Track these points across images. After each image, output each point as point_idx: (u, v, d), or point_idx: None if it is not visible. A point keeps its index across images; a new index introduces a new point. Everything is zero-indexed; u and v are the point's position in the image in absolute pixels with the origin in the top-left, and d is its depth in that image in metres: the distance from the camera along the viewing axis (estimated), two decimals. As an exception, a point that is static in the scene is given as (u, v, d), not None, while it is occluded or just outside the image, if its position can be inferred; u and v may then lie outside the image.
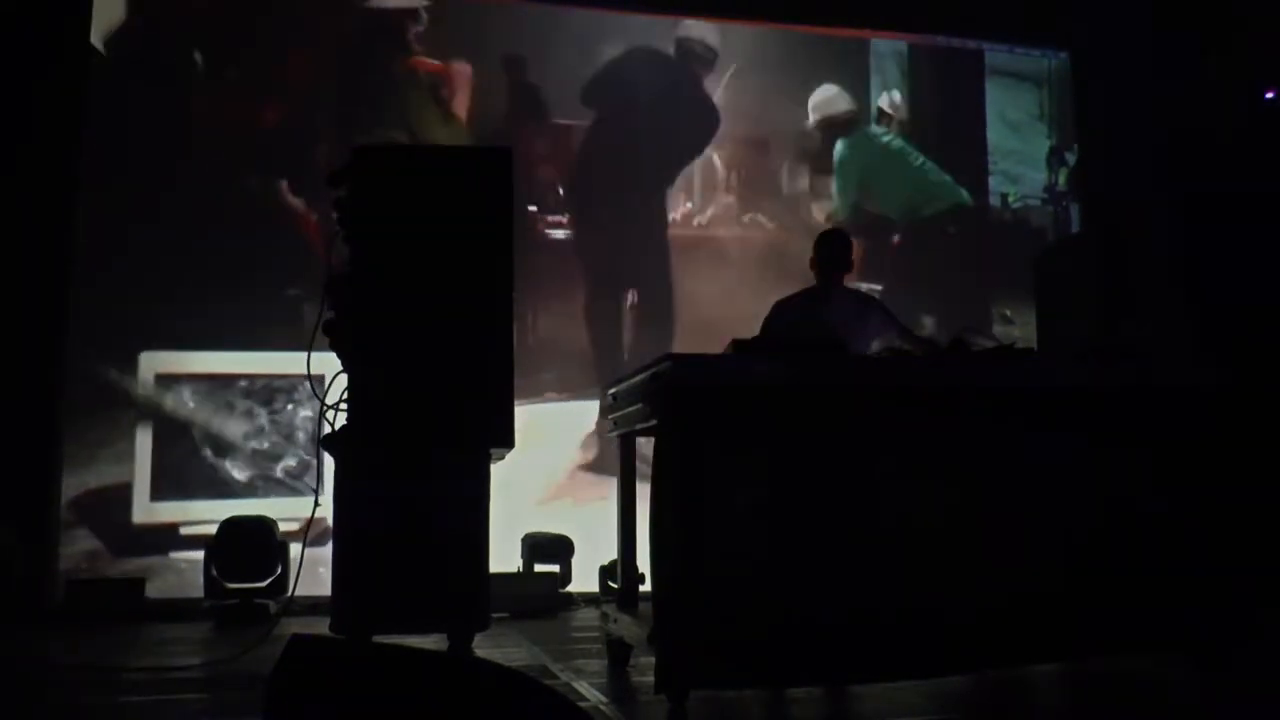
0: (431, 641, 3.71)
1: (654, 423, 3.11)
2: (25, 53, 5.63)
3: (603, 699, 3.18)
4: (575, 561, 5.71)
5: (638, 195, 6.67)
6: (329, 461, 3.84)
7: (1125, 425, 3.37)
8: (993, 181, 7.33)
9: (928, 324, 6.58)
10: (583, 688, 3.34)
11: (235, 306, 5.82)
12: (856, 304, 4.40)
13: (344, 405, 3.76)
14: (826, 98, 7.04)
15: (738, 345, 3.22)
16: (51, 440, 5.58)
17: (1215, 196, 5.51)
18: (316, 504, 3.78)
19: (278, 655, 1.61)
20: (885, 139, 7.17)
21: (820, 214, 6.90)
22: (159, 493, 5.71)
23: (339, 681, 1.59)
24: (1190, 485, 3.39)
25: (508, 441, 3.82)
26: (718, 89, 6.81)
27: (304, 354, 3.82)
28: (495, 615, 4.26)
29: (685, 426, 2.94)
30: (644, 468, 3.42)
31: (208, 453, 5.81)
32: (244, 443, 5.87)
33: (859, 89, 7.12)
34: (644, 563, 3.37)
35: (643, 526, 3.34)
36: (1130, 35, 6.62)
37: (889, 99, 7.19)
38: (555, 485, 6.21)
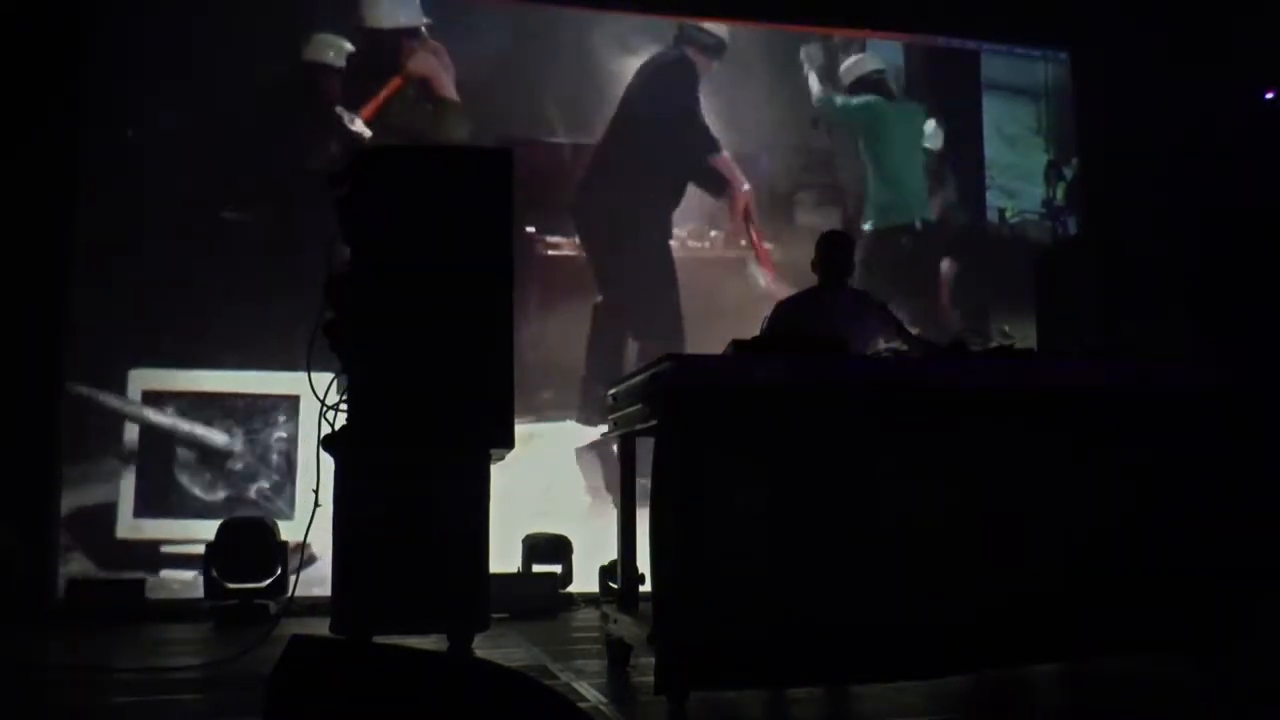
0: (431, 642, 3.72)
1: (654, 423, 3.11)
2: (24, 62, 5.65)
3: (603, 699, 3.18)
4: (575, 561, 5.72)
5: (639, 214, 6.59)
6: (329, 462, 3.83)
7: (1125, 426, 3.37)
8: (990, 196, 7.26)
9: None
10: (583, 688, 3.33)
11: (223, 324, 5.78)
12: (857, 304, 4.40)
13: (344, 406, 3.76)
14: (856, 59, 7.08)
15: (738, 345, 3.22)
16: (51, 440, 5.59)
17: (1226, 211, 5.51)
18: (317, 504, 3.77)
19: (278, 656, 1.61)
20: (908, 115, 7.13)
21: (824, 225, 6.84)
22: (141, 510, 5.72)
23: (339, 682, 1.58)
24: (1189, 485, 3.39)
25: (507, 442, 3.82)
26: (717, 90, 6.79)
27: (283, 374, 3.79)
28: (495, 616, 4.26)
29: (685, 427, 2.94)
30: (644, 468, 3.42)
31: (185, 471, 5.81)
32: (222, 462, 5.86)
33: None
34: (644, 563, 3.37)
35: (643, 527, 3.34)
36: (1131, 32, 6.61)
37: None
38: (553, 499, 6.16)
